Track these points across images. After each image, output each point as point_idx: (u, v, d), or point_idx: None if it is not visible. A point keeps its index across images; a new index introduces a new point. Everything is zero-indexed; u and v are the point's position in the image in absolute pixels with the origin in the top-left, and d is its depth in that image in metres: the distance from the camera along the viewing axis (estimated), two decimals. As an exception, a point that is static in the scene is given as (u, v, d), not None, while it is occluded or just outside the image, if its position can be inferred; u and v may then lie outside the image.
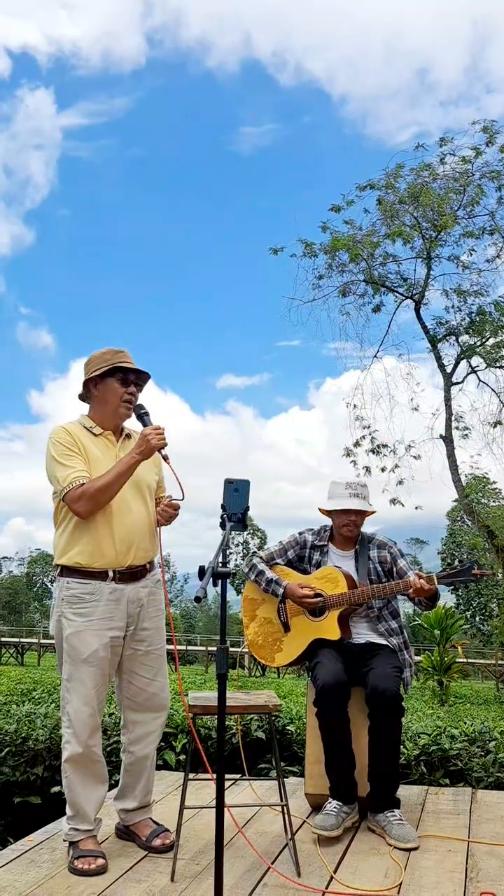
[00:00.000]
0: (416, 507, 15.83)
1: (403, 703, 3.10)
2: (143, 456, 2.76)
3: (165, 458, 2.83)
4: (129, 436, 2.99)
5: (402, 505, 15.49)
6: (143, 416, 2.88)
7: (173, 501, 2.93)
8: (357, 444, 16.21)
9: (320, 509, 3.43)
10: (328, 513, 3.41)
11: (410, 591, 3.15)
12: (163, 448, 2.78)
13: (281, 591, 3.30)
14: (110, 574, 2.80)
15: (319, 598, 3.24)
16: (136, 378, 2.93)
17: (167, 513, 2.92)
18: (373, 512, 3.39)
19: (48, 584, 77.06)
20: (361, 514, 3.35)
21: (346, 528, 3.34)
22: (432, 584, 3.14)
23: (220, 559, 2.20)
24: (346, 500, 3.31)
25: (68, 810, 2.81)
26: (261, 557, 3.44)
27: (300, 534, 3.48)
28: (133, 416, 2.94)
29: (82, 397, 2.98)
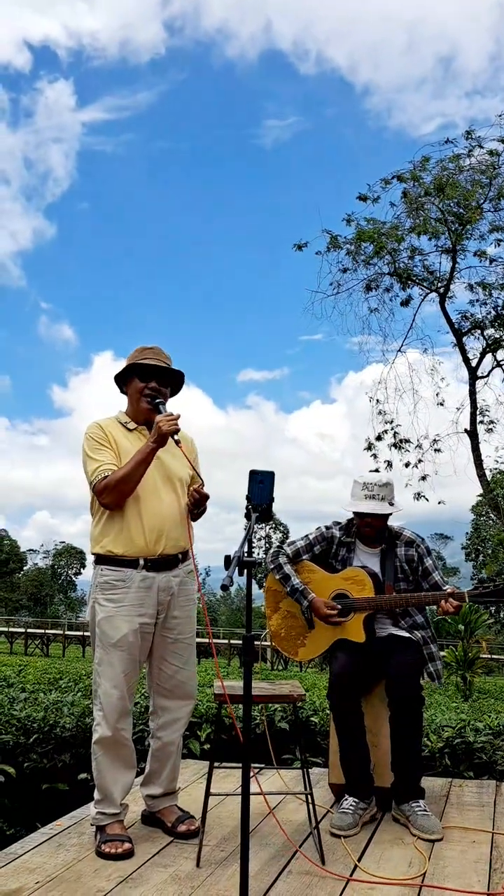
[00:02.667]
0: (440, 503, 15.72)
1: (423, 694, 3.10)
2: (157, 443, 2.81)
3: (178, 443, 2.87)
4: None
5: (427, 500, 15.40)
6: (157, 406, 2.93)
7: (200, 489, 2.96)
8: (379, 437, 16.15)
9: (359, 513, 3.36)
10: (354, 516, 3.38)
11: (438, 609, 3.12)
12: (175, 433, 2.82)
13: (306, 603, 3.25)
14: (141, 562, 2.86)
15: (343, 619, 3.21)
16: (158, 373, 2.98)
17: (192, 498, 2.94)
18: (391, 513, 3.29)
19: (73, 576, 77.90)
20: (379, 517, 3.29)
21: (365, 528, 3.30)
22: (463, 602, 3.12)
23: (246, 549, 2.22)
24: (362, 502, 3.25)
25: (96, 794, 2.86)
26: (287, 555, 3.36)
27: (327, 528, 3.42)
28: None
29: (123, 392, 3.09)
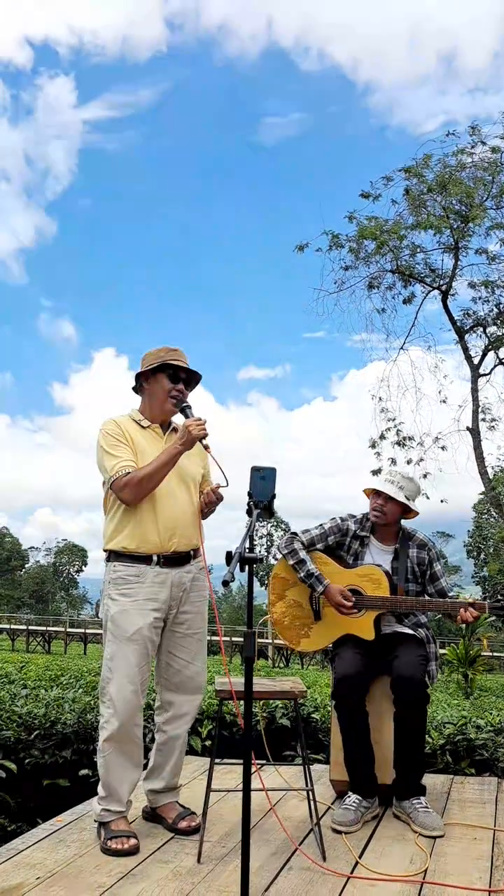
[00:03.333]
0: (442, 501, 15.73)
1: (428, 692, 3.10)
2: (185, 446, 2.83)
3: (206, 448, 2.90)
4: (175, 429, 3.06)
5: (428, 497, 15.38)
6: (185, 409, 2.96)
7: (218, 489, 2.98)
8: (382, 436, 16.15)
9: (364, 490, 3.39)
10: (369, 495, 3.37)
11: (458, 618, 3.11)
12: (204, 438, 2.84)
13: (321, 588, 3.21)
14: (155, 559, 2.88)
15: (356, 612, 3.20)
16: (186, 376, 3.01)
17: (209, 497, 2.97)
18: (403, 504, 3.27)
19: (74, 574, 78.01)
20: (393, 503, 3.27)
21: (373, 511, 3.29)
22: (482, 612, 3.11)
23: (247, 545, 2.22)
24: (381, 484, 3.29)
25: (101, 791, 2.86)
26: (301, 542, 3.32)
27: (342, 520, 3.39)
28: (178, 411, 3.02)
29: (135, 390, 3.09)
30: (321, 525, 3.39)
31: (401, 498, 3.25)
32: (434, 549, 3.35)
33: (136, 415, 3.05)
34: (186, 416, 2.92)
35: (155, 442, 2.97)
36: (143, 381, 3.04)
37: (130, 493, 2.83)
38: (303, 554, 3.29)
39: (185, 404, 2.96)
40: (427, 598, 3.25)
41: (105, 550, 2.96)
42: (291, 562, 3.29)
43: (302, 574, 3.26)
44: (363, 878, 2.51)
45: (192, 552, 2.97)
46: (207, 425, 2.86)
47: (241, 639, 2.29)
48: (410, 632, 3.25)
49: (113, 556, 2.92)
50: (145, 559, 2.88)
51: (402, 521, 3.39)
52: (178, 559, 2.92)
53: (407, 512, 3.33)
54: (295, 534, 3.37)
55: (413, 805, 2.99)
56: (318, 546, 3.34)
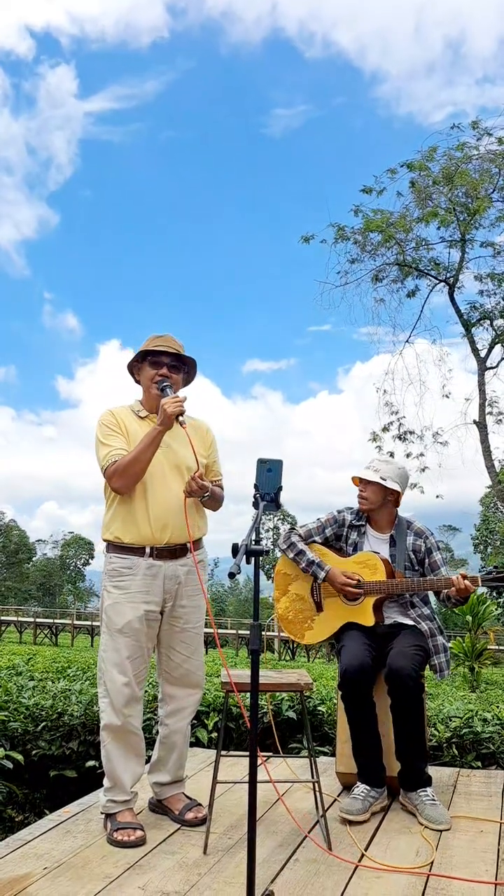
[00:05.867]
0: (437, 496, 15.70)
1: (423, 682, 3.09)
2: (163, 425, 2.81)
3: (182, 424, 2.84)
4: (176, 418, 3.01)
5: (422, 492, 15.38)
6: (163, 389, 2.92)
7: (199, 476, 2.86)
8: (385, 429, 16.12)
9: (353, 478, 3.45)
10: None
11: (452, 589, 3.12)
12: (180, 415, 2.81)
13: (323, 574, 3.27)
14: (147, 550, 2.87)
15: (360, 590, 3.23)
16: (171, 361, 2.97)
17: (189, 486, 2.85)
18: (384, 487, 3.27)
19: (81, 566, 78.27)
20: (372, 486, 3.30)
21: (359, 498, 3.37)
22: (476, 586, 3.11)
23: (254, 537, 2.21)
24: (359, 471, 3.36)
25: (106, 782, 2.87)
26: (299, 535, 3.41)
27: (339, 512, 3.46)
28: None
29: (138, 382, 3.10)
30: (318, 519, 3.49)
31: (375, 478, 3.29)
32: (432, 537, 3.36)
33: (136, 405, 3.05)
34: (165, 396, 2.89)
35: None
36: (135, 373, 3.07)
37: (118, 480, 2.84)
38: (301, 545, 3.37)
39: (164, 384, 2.92)
40: (421, 577, 3.25)
41: (103, 540, 2.97)
42: (291, 555, 3.36)
43: (303, 564, 3.32)
44: (371, 868, 2.52)
45: (189, 545, 2.92)
46: (191, 409, 2.83)
47: (247, 632, 2.28)
48: (411, 623, 3.25)
49: (109, 546, 2.93)
50: (137, 551, 2.87)
51: (400, 511, 3.43)
52: (171, 552, 2.90)
53: (389, 493, 3.34)
54: (293, 528, 3.47)
55: (420, 797, 2.99)
56: (316, 538, 3.42)
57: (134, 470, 2.82)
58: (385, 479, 3.30)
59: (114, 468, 2.83)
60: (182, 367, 3.02)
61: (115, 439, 2.90)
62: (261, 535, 2.25)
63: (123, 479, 2.83)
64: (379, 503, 3.34)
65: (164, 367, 2.96)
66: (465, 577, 3.10)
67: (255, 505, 2.37)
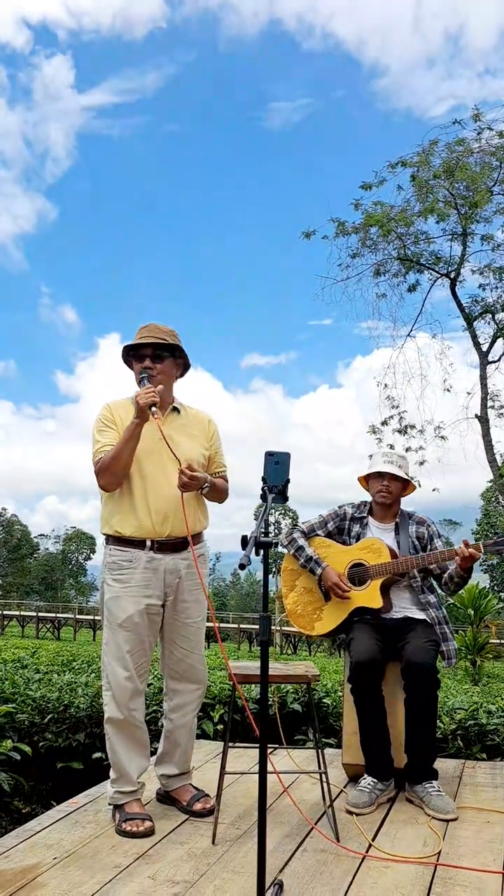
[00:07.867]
0: (434, 490, 15.64)
1: (439, 677, 3.11)
2: (139, 419, 2.78)
3: (153, 415, 2.76)
4: (176, 409, 3.02)
5: (419, 485, 15.36)
6: (141, 381, 2.90)
7: (188, 469, 2.80)
8: (385, 423, 16.12)
9: (359, 478, 3.47)
10: (366, 483, 3.44)
11: (457, 558, 3.14)
12: (152, 406, 2.75)
13: (319, 571, 3.34)
14: (148, 543, 2.86)
15: (347, 595, 3.27)
16: (151, 352, 2.94)
17: (180, 480, 2.80)
18: (407, 481, 3.39)
19: (83, 561, 78.38)
20: (396, 481, 3.36)
21: (380, 493, 3.36)
22: (479, 552, 3.12)
23: (262, 529, 2.22)
24: (381, 465, 3.36)
25: (112, 774, 2.88)
26: (301, 531, 3.46)
27: (340, 507, 3.52)
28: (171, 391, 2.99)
29: None
30: (320, 514, 3.54)
31: (402, 474, 3.35)
32: (433, 525, 3.41)
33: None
34: (141, 387, 2.86)
35: (149, 424, 2.86)
36: (131, 368, 3.03)
37: (104, 477, 2.83)
38: (301, 541, 3.43)
39: (141, 375, 2.90)
40: (423, 553, 3.28)
41: (102, 534, 2.95)
42: (292, 550, 3.43)
43: (302, 560, 3.40)
44: (377, 859, 2.53)
45: (190, 538, 2.86)
46: (192, 400, 2.84)
47: (249, 625, 2.29)
48: (422, 616, 3.26)
49: (109, 540, 2.91)
50: (138, 544, 2.86)
51: (402, 507, 3.48)
52: (172, 545, 2.88)
53: (404, 488, 3.42)
54: (295, 525, 3.52)
55: (426, 789, 3.00)
56: (319, 532, 3.48)
57: (116, 467, 2.80)
58: (408, 475, 3.40)
59: (99, 466, 2.82)
60: (166, 355, 2.96)
61: (107, 434, 2.88)
62: (269, 527, 2.25)
63: (107, 477, 2.82)
64: (398, 498, 3.42)
65: (146, 360, 2.93)
66: (468, 544, 3.11)
67: (263, 497, 2.37)
